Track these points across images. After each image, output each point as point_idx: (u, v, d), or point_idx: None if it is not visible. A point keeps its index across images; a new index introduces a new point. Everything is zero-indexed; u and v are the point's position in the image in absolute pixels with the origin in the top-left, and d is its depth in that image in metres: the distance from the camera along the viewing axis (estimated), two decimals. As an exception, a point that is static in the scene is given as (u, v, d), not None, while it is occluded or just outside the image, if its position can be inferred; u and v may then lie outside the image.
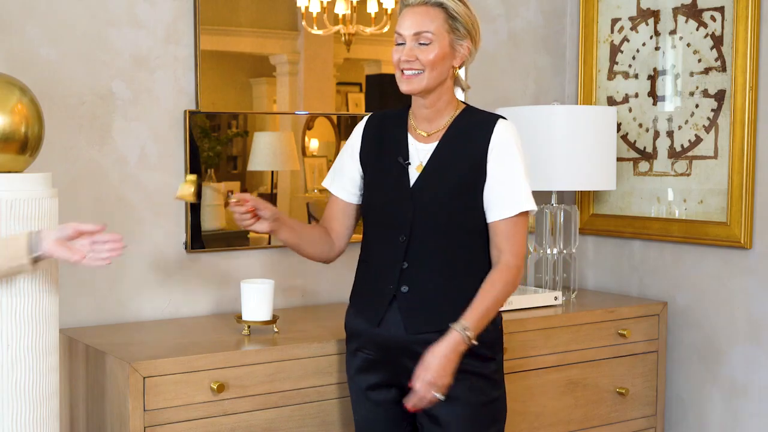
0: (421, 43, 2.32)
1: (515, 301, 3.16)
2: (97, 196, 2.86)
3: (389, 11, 3.31)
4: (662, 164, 3.51)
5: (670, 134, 3.48)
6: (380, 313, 2.39)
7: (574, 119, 3.29)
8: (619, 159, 3.62)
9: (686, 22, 3.41)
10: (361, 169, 2.51)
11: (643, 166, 3.57)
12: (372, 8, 3.29)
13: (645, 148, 3.56)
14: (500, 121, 2.39)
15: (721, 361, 3.34)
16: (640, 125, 3.58)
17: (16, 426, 2.18)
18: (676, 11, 3.45)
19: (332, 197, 2.57)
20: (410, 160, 2.41)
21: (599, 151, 3.31)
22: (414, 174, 2.40)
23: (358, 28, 3.28)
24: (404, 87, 2.37)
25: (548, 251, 3.45)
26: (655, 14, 3.51)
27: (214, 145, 3.07)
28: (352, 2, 3.26)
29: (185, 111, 2.98)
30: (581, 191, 3.74)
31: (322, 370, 2.65)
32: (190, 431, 2.45)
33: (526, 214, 2.38)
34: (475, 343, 2.28)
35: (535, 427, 3.08)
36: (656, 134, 3.53)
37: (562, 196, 3.72)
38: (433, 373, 2.25)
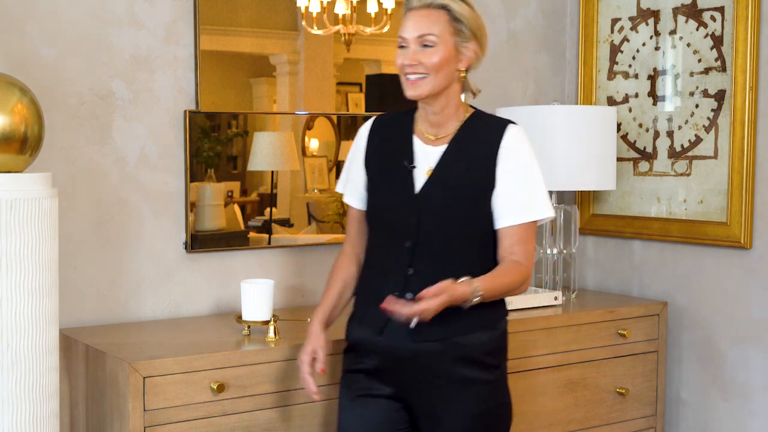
0: (425, 46, 2.29)
1: (515, 301, 3.16)
2: (97, 196, 2.86)
3: (389, 11, 3.31)
4: (662, 164, 3.51)
5: (670, 134, 3.48)
6: (383, 321, 2.31)
7: (574, 119, 3.29)
8: (619, 159, 3.62)
9: (686, 22, 3.41)
10: (366, 174, 2.46)
11: (643, 166, 3.57)
12: (372, 8, 3.29)
13: (645, 148, 3.56)
14: (510, 126, 2.37)
15: (721, 361, 3.34)
16: (640, 125, 3.58)
17: (16, 426, 2.19)
18: (676, 11, 3.45)
19: (349, 207, 2.52)
20: (416, 164, 2.37)
21: (599, 151, 3.31)
22: (421, 178, 2.35)
23: (358, 28, 3.28)
24: (409, 92, 2.33)
25: (548, 251, 3.45)
26: (655, 14, 3.51)
27: (214, 145, 3.07)
28: (352, 2, 3.26)
29: (185, 111, 2.98)
30: (581, 191, 3.74)
31: (322, 370, 2.65)
32: (190, 431, 2.45)
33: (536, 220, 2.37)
34: (474, 302, 2.22)
35: (535, 427, 3.08)
36: (656, 134, 3.53)
37: (562, 196, 3.72)
38: (427, 305, 2.16)
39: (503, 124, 2.38)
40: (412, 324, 2.21)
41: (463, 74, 2.36)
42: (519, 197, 2.32)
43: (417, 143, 2.39)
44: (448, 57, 2.30)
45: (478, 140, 2.35)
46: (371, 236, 2.44)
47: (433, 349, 2.30)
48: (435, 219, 2.32)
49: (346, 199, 2.52)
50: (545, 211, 2.36)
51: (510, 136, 2.34)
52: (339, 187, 2.56)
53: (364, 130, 2.49)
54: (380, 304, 2.21)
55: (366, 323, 2.39)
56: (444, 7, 2.30)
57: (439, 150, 2.36)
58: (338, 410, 2.46)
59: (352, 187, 2.50)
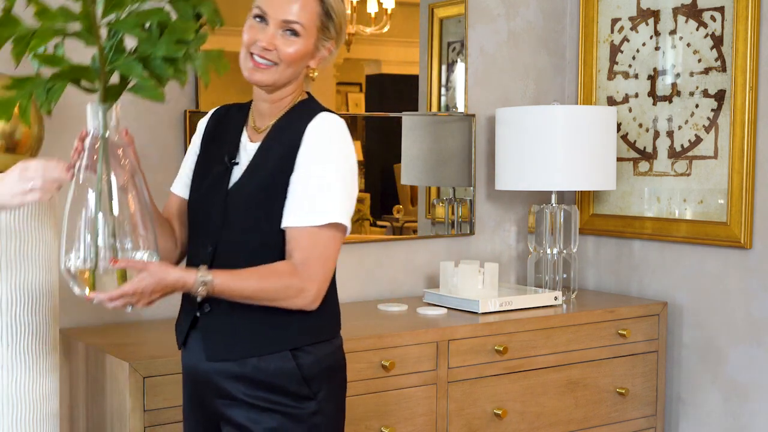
0: (286, 31, 1.97)
1: (515, 301, 3.16)
2: (97, 196, 2.85)
3: (389, 11, 3.31)
4: (662, 164, 3.51)
5: (670, 134, 3.48)
6: (183, 336, 2.09)
7: (574, 119, 3.30)
8: (619, 159, 3.62)
9: (686, 22, 3.41)
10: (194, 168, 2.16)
11: (643, 166, 3.57)
12: (372, 8, 3.29)
13: (645, 148, 3.56)
14: (320, 115, 2.00)
15: (721, 361, 3.34)
16: (640, 125, 3.58)
17: (16, 426, 2.18)
18: (676, 11, 3.45)
19: (171, 195, 2.20)
20: (239, 160, 2.05)
21: (599, 151, 3.31)
22: (237, 176, 2.04)
23: (358, 28, 3.28)
24: (252, 76, 2.01)
25: (548, 251, 3.45)
26: (655, 14, 3.51)
27: (214, 145, 3.07)
28: (352, 2, 3.26)
29: (185, 111, 2.97)
30: (581, 191, 3.74)
31: (322, 370, 2.64)
32: (190, 431, 2.45)
33: (333, 227, 1.95)
34: (199, 297, 1.91)
35: (535, 427, 3.08)
36: (656, 134, 3.53)
37: (562, 196, 3.72)
38: (122, 291, 1.79)
39: (314, 112, 2.01)
40: (129, 309, 1.85)
41: (311, 72, 2.08)
42: (304, 195, 1.94)
43: (244, 138, 2.09)
44: (306, 52, 2.00)
45: (287, 131, 2.01)
46: (189, 241, 2.12)
47: (229, 371, 1.98)
48: (236, 220, 1.99)
49: (172, 188, 2.19)
50: (332, 215, 1.93)
51: (314, 125, 1.98)
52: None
53: (201, 122, 2.21)
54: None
55: (176, 337, 2.15)
56: None
57: (256, 145, 2.06)
58: None
59: (180, 175, 2.19)
